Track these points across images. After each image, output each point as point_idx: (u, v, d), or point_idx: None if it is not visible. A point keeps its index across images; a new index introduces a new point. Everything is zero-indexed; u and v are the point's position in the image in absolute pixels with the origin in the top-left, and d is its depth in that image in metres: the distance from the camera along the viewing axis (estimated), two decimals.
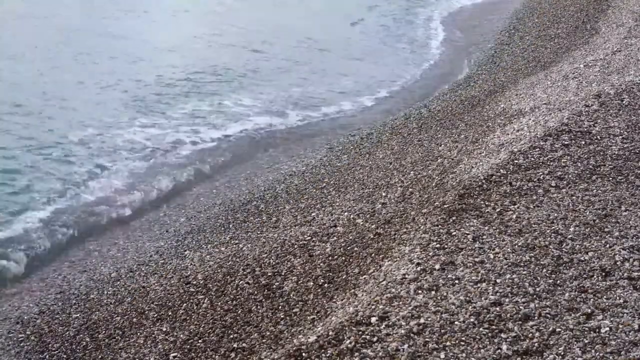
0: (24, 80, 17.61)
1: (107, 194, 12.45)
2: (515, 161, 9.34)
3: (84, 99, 16.86)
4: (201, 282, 9.01)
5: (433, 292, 6.48)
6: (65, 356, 8.25)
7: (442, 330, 5.94)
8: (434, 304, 6.29)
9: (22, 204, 11.61)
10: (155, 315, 8.61)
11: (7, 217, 11.25)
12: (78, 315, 8.97)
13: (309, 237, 9.39)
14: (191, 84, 18.71)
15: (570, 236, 7.47)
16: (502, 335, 5.91)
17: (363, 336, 5.95)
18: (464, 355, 5.69)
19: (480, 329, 5.97)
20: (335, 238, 9.14)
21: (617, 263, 6.98)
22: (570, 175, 8.91)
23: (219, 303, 8.39)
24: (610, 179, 8.87)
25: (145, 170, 13.57)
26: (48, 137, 14.42)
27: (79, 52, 20.57)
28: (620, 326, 6.01)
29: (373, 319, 6.16)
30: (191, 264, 9.84)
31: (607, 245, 7.31)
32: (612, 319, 6.10)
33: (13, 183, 12.26)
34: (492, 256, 7.07)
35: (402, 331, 5.94)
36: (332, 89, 19.18)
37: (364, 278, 7.53)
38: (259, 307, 8.05)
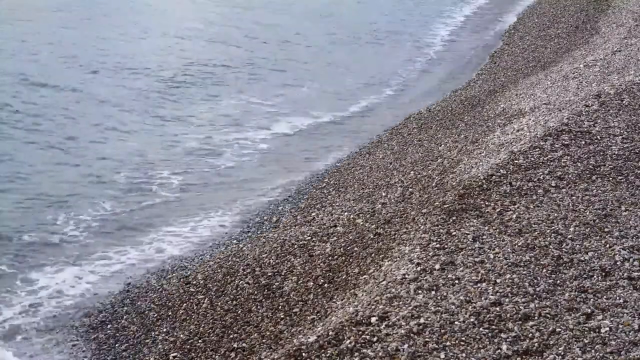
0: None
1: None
2: (515, 161, 9.34)
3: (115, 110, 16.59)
4: (201, 282, 9.01)
5: (433, 292, 6.48)
6: None
7: (442, 330, 5.94)
8: (434, 304, 6.29)
9: None
10: (155, 316, 8.63)
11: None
12: None
13: (309, 237, 9.39)
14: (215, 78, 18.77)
15: (570, 236, 7.47)
16: (502, 335, 5.91)
17: (363, 336, 5.95)
18: (464, 355, 5.69)
19: (480, 329, 5.97)
20: (335, 238, 9.14)
21: (617, 263, 6.98)
22: (570, 175, 8.91)
23: (219, 303, 8.39)
24: (610, 179, 8.87)
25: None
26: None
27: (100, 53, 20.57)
28: (620, 326, 6.01)
29: (373, 319, 6.16)
30: (191, 264, 9.86)
31: (607, 245, 7.31)
32: (612, 319, 6.10)
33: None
34: (492, 256, 7.07)
35: (402, 331, 5.94)
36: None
37: (364, 278, 7.53)
38: (259, 307, 8.05)
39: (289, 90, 18.80)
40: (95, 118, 15.69)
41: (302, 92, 18.70)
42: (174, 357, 7.68)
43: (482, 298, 6.35)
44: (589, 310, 6.23)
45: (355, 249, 8.56)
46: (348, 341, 5.91)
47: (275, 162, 14.08)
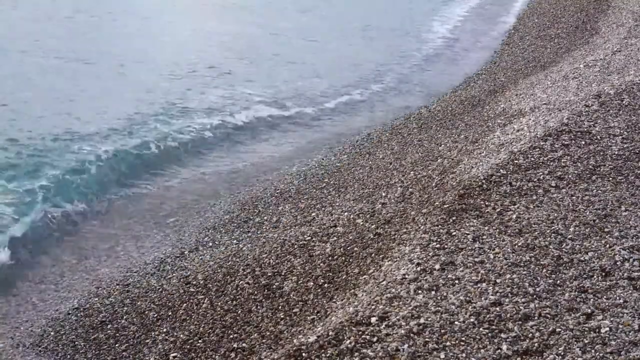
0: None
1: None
2: (515, 161, 9.34)
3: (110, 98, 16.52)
4: (201, 282, 9.01)
5: (433, 292, 6.48)
6: None
7: (442, 330, 5.94)
8: (434, 304, 6.29)
9: None
10: (155, 316, 8.62)
11: None
12: None
13: (309, 237, 9.39)
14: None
15: (570, 236, 7.47)
16: (502, 335, 5.90)
17: (363, 336, 5.95)
18: (464, 355, 5.69)
19: (480, 329, 5.97)
20: (335, 238, 9.14)
21: (617, 263, 6.98)
22: (570, 175, 8.91)
23: (219, 303, 8.39)
24: (610, 179, 8.87)
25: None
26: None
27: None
28: (620, 326, 6.01)
29: (373, 319, 6.16)
30: (191, 264, 9.85)
31: (607, 245, 7.31)
32: (612, 319, 6.10)
33: None
34: (492, 256, 7.07)
35: (402, 331, 5.94)
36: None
37: (364, 278, 7.53)
38: (259, 307, 8.05)
39: (269, 84, 18.70)
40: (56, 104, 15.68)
41: (282, 86, 18.59)
42: (174, 357, 7.68)
43: (482, 298, 6.36)
44: (589, 310, 6.23)
45: (355, 249, 8.56)
46: (348, 341, 5.91)
47: (190, 158, 14.04)
